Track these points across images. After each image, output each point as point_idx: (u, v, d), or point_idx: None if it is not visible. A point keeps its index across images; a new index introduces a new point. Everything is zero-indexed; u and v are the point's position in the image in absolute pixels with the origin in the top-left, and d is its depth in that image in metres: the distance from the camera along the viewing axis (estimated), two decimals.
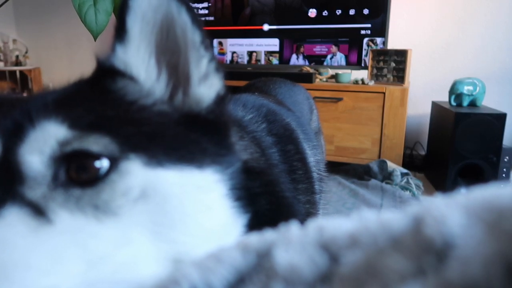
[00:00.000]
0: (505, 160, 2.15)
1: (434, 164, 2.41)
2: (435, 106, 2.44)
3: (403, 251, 0.17)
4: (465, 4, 2.58)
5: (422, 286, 0.15)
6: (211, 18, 2.94)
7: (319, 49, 2.73)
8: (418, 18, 2.70)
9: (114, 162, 0.32)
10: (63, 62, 3.90)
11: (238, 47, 2.92)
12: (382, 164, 2.25)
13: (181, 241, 0.33)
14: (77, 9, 1.02)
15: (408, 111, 2.34)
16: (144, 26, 0.40)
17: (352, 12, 2.58)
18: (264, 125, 0.65)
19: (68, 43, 3.81)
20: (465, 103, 2.21)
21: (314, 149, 0.83)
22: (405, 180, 2.17)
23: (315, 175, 0.75)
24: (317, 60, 2.74)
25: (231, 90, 0.49)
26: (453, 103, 2.24)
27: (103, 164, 0.32)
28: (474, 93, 2.18)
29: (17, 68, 3.73)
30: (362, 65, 2.63)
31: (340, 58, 2.69)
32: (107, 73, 0.40)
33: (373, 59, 2.50)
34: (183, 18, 0.40)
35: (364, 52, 2.61)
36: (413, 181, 2.16)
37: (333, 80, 2.64)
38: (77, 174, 0.32)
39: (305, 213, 0.61)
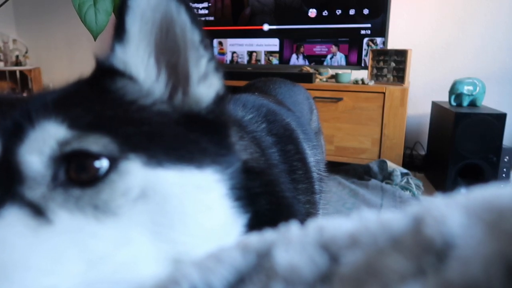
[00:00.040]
0: (505, 160, 2.15)
1: (434, 164, 2.41)
2: (435, 106, 2.44)
3: (403, 251, 0.17)
4: (465, 4, 2.58)
5: (422, 286, 0.15)
6: (211, 18, 2.94)
7: (319, 49, 2.73)
8: (418, 18, 2.70)
9: (114, 162, 0.32)
10: (63, 62, 3.90)
11: (238, 47, 2.92)
12: (382, 164, 2.25)
13: (181, 241, 0.33)
14: (77, 9, 1.02)
15: (408, 111, 2.34)
16: (143, 26, 0.40)
17: (352, 12, 2.59)
18: (264, 125, 0.65)
19: (68, 43, 3.81)
20: (465, 103, 2.21)
21: (314, 149, 0.83)
22: (405, 180, 2.17)
23: (315, 175, 0.75)
24: (317, 60, 2.74)
25: (231, 90, 0.49)
26: (453, 103, 2.24)
27: (103, 164, 0.32)
28: (474, 93, 2.18)
29: (17, 68, 3.73)
30: (362, 65, 2.63)
31: (340, 58, 2.69)
32: (106, 73, 0.40)
33: (373, 59, 2.50)
34: (182, 18, 0.40)
35: (364, 52, 2.61)
36: (413, 181, 2.16)
37: (333, 80, 2.64)
38: (77, 174, 0.32)
39: (305, 213, 0.61)
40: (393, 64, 2.42)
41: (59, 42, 3.86)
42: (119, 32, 0.40)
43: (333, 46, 2.68)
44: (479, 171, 2.09)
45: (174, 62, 0.42)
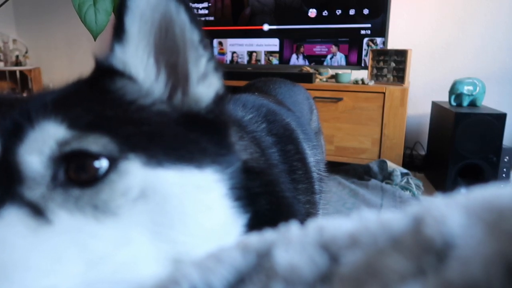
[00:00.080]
0: (505, 160, 2.15)
1: (434, 164, 2.41)
2: (435, 106, 2.44)
3: (403, 251, 0.17)
4: (465, 4, 2.58)
5: (422, 286, 0.15)
6: (211, 18, 2.94)
7: (319, 49, 2.73)
8: (418, 18, 2.70)
9: (113, 162, 0.32)
10: (63, 62, 3.90)
11: (238, 47, 2.92)
12: (382, 164, 2.25)
13: (181, 241, 0.33)
14: (77, 9, 1.02)
15: (408, 111, 2.34)
16: (142, 26, 0.40)
17: (352, 12, 2.59)
18: (264, 125, 0.65)
19: (68, 43, 3.81)
20: (465, 103, 2.21)
21: (314, 149, 0.83)
22: (405, 180, 2.17)
23: (315, 175, 0.75)
24: (317, 60, 2.74)
25: (231, 90, 0.49)
26: (453, 103, 2.24)
27: (102, 164, 0.32)
28: (474, 93, 2.18)
29: (17, 68, 3.73)
30: (362, 65, 2.63)
31: (340, 58, 2.69)
32: (106, 73, 0.40)
33: (373, 59, 2.50)
34: (182, 18, 0.40)
35: (364, 52, 2.61)
36: (413, 181, 2.16)
37: (333, 80, 2.64)
38: (76, 174, 0.32)
39: (305, 213, 0.61)
40: (393, 64, 2.42)
41: (59, 42, 3.86)
42: (119, 32, 0.40)
43: (333, 46, 2.68)
44: (479, 171, 2.09)
45: (173, 62, 0.42)
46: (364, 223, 0.20)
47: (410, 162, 2.62)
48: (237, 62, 2.95)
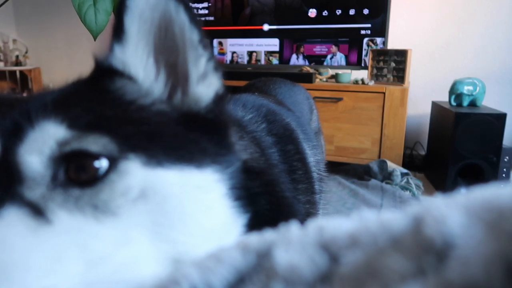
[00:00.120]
0: (505, 160, 2.15)
1: (434, 164, 2.41)
2: (435, 106, 2.44)
3: (403, 251, 0.17)
4: (465, 4, 2.58)
5: (422, 286, 0.15)
6: (211, 18, 2.94)
7: (319, 49, 2.73)
8: (418, 18, 2.70)
9: (113, 162, 0.32)
10: (63, 62, 3.90)
11: (238, 47, 2.92)
12: (382, 164, 2.25)
13: (181, 241, 0.33)
14: (77, 9, 1.02)
15: (408, 111, 2.34)
16: (142, 26, 0.40)
17: (352, 12, 2.59)
18: (264, 125, 0.65)
19: (68, 43, 3.81)
20: (465, 103, 2.21)
21: (314, 149, 0.83)
22: (405, 180, 2.17)
23: (315, 175, 0.75)
24: (317, 60, 2.74)
25: (231, 90, 0.49)
26: (453, 103, 2.24)
27: (102, 164, 0.32)
28: (474, 93, 2.18)
29: (17, 68, 3.73)
30: (362, 65, 2.63)
31: (340, 58, 2.69)
32: (105, 73, 0.40)
33: (373, 59, 2.50)
34: (181, 17, 0.40)
35: (364, 52, 2.61)
36: (413, 181, 2.16)
37: (333, 80, 2.64)
38: (76, 174, 0.32)
39: (305, 213, 0.61)
40: (393, 64, 2.42)
41: (59, 42, 3.86)
42: (118, 32, 0.39)
43: (333, 46, 2.68)
44: (479, 171, 2.09)
45: (173, 62, 0.42)
46: (364, 223, 0.20)
47: (410, 162, 2.62)
48: (237, 62, 2.95)
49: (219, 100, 0.43)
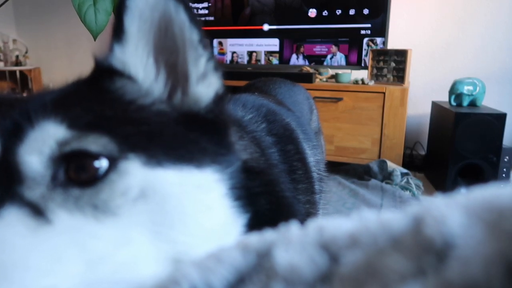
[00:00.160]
0: (505, 160, 2.15)
1: (434, 164, 2.41)
2: (435, 106, 2.44)
3: (403, 251, 0.17)
4: (465, 4, 2.58)
5: (422, 286, 0.15)
6: (211, 18, 2.94)
7: (319, 49, 2.73)
8: (418, 18, 2.70)
9: (113, 162, 0.32)
10: (63, 62, 3.90)
11: (238, 47, 2.92)
12: (382, 164, 2.25)
13: (181, 241, 0.33)
14: (76, 9, 1.02)
15: (408, 111, 2.34)
16: (141, 25, 0.40)
17: (352, 12, 2.58)
18: (264, 125, 0.65)
19: (68, 43, 3.81)
20: (465, 103, 2.21)
21: (314, 149, 0.83)
22: (405, 180, 2.17)
23: (315, 175, 0.75)
24: (317, 60, 2.74)
25: (231, 90, 0.49)
26: (453, 103, 2.24)
27: (102, 164, 0.32)
28: (474, 93, 2.18)
29: (17, 68, 3.73)
30: (362, 65, 2.63)
31: (340, 58, 2.69)
32: (105, 73, 0.40)
33: (373, 59, 2.50)
34: (181, 17, 0.40)
35: (364, 52, 2.61)
36: (413, 181, 2.16)
37: (333, 80, 2.64)
38: (76, 174, 0.32)
39: (305, 213, 0.61)
40: (393, 64, 2.42)
41: (59, 42, 3.86)
42: (118, 32, 0.39)
43: (333, 46, 2.68)
44: (479, 171, 2.09)
45: (173, 62, 0.42)
46: (364, 223, 0.20)
47: (410, 162, 2.62)
48: (237, 62, 2.95)
49: (219, 100, 0.43)
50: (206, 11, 2.94)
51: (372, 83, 2.45)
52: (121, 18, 0.39)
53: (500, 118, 2.02)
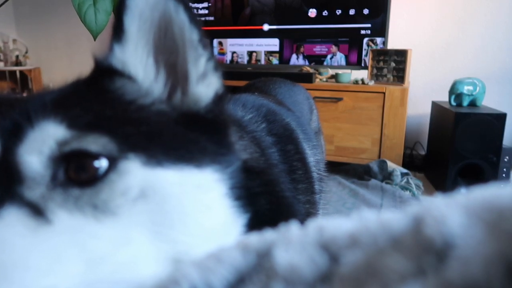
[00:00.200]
0: (505, 160, 2.15)
1: (434, 164, 2.41)
2: (435, 106, 2.44)
3: (403, 251, 0.17)
4: (465, 4, 2.58)
5: (422, 286, 0.15)
6: (211, 18, 2.94)
7: (319, 49, 2.73)
8: (418, 18, 2.70)
9: (113, 162, 0.32)
10: (63, 62, 3.90)
11: (238, 47, 2.92)
12: (382, 164, 2.25)
13: (180, 241, 0.33)
14: (76, 9, 1.02)
15: (408, 111, 2.34)
16: (141, 25, 0.40)
17: (352, 12, 2.59)
18: (264, 125, 0.65)
19: (68, 43, 3.81)
20: (465, 103, 2.21)
21: (314, 149, 0.83)
22: (405, 180, 2.17)
23: (315, 175, 0.75)
24: (317, 60, 2.74)
25: (231, 90, 0.49)
26: (453, 103, 2.24)
27: (102, 164, 0.32)
28: (474, 93, 2.18)
29: (17, 68, 3.73)
30: (362, 65, 2.63)
31: (340, 58, 2.69)
32: (105, 73, 0.40)
33: (373, 59, 2.50)
34: (181, 17, 0.40)
35: (364, 52, 2.61)
36: (413, 181, 2.16)
37: (333, 80, 2.64)
38: (76, 174, 0.32)
39: (305, 213, 0.61)
40: (393, 64, 2.42)
41: (59, 42, 3.86)
42: (118, 32, 0.39)
43: (333, 46, 2.68)
44: (479, 171, 2.09)
45: (173, 62, 0.42)
46: (364, 223, 0.20)
47: (410, 162, 2.62)
48: (237, 62, 2.95)
49: (218, 99, 0.43)
50: (206, 11, 2.94)
51: (372, 83, 2.45)
52: (121, 18, 0.39)
53: (500, 118, 2.02)
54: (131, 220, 0.32)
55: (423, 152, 2.69)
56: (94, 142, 0.32)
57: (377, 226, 0.19)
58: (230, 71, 2.73)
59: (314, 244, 0.20)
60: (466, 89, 2.17)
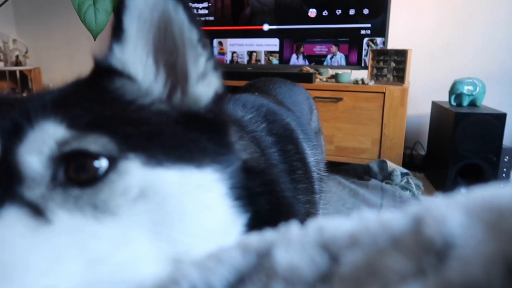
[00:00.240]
0: (505, 160, 2.15)
1: (434, 164, 2.41)
2: (435, 106, 2.44)
3: (403, 251, 0.17)
4: (465, 4, 2.58)
5: (422, 286, 0.15)
6: (211, 18, 2.94)
7: (319, 49, 2.73)
8: (418, 18, 2.70)
9: (113, 162, 0.32)
10: (63, 62, 3.90)
11: (238, 47, 2.92)
12: (382, 164, 2.25)
13: (180, 241, 0.33)
14: (76, 9, 1.02)
15: (408, 111, 2.34)
16: (141, 25, 0.40)
17: (352, 12, 2.59)
18: (264, 125, 0.65)
19: (68, 43, 3.81)
20: (465, 103, 2.21)
21: (314, 149, 0.83)
22: (405, 180, 2.17)
23: (315, 175, 0.75)
24: (317, 60, 2.74)
25: (231, 90, 0.49)
26: (453, 103, 2.24)
27: (102, 164, 0.32)
28: (474, 93, 2.18)
29: (17, 68, 3.73)
30: (362, 65, 2.63)
31: (340, 58, 2.69)
32: (105, 73, 0.40)
33: (373, 59, 2.50)
34: (180, 17, 0.40)
35: (364, 52, 2.61)
36: (413, 181, 2.16)
37: (333, 80, 2.64)
38: (76, 174, 0.32)
39: (305, 213, 0.61)
40: (393, 64, 2.42)
41: (59, 42, 3.86)
42: (117, 32, 0.39)
43: (333, 46, 2.68)
44: (479, 171, 2.09)
45: (172, 61, 0.42)
46: (364, 223, 0.20)
47: (410, 162, 2.62)
48: (237, 62, 2.95)
49: (218, 99, 0.43)
50: (206, 11, 2.94)
51: (372, 83, 2.45)
52: (121, 18, 0.39)
53: (500, 118, 2.02)
54: (131, 220, 0.32)
55: (423, 152, 2.69)
56: (94, 142, 0.32)
57: (377, 226, 0.19)
58: (230, 71, 2.73)
59: (314, 244, 0.20)
60: (466, 89, 2.17)
